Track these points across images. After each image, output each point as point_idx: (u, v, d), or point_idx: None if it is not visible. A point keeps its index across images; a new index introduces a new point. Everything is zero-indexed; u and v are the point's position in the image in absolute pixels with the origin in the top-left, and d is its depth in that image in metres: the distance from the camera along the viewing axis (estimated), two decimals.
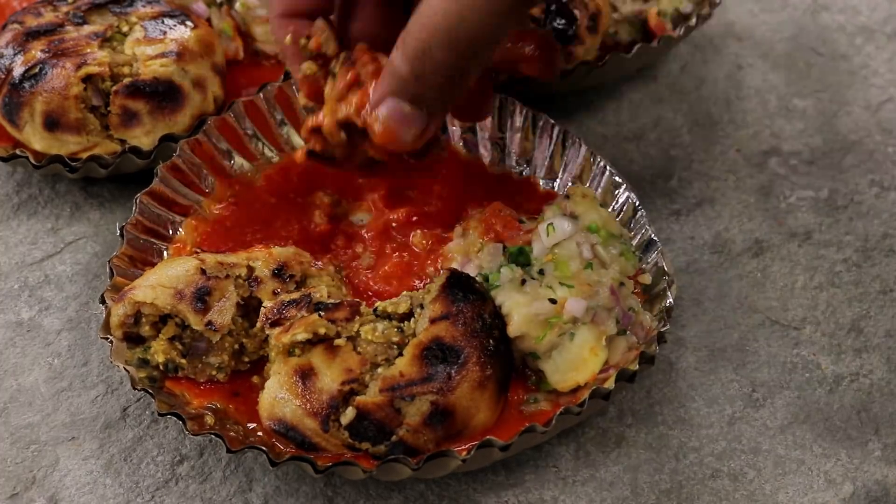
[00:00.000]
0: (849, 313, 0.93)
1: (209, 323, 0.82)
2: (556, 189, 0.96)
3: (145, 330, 0.83)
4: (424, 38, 0.70)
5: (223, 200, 0.96)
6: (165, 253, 0.92)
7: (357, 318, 0.81)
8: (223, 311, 0.82)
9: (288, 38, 0.81)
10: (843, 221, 0.99)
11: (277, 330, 0.80)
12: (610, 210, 0.92)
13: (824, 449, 0.85)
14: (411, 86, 0.73)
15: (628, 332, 0.83)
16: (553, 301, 0.81)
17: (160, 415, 0.79)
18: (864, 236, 0.98)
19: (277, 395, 0.79)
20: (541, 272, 0.84)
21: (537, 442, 0.82)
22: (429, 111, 0.75)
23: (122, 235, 0.90)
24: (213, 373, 0.84)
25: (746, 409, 0.87)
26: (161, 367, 0.82)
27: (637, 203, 0.91)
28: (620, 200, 0.92)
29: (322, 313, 0.80)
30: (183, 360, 0.83)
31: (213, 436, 0.78)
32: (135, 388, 0.80)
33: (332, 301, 0.82)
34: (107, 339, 0.83)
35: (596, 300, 0.82)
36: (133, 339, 0.84)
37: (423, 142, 0.77)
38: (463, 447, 0.78)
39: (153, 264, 0.90)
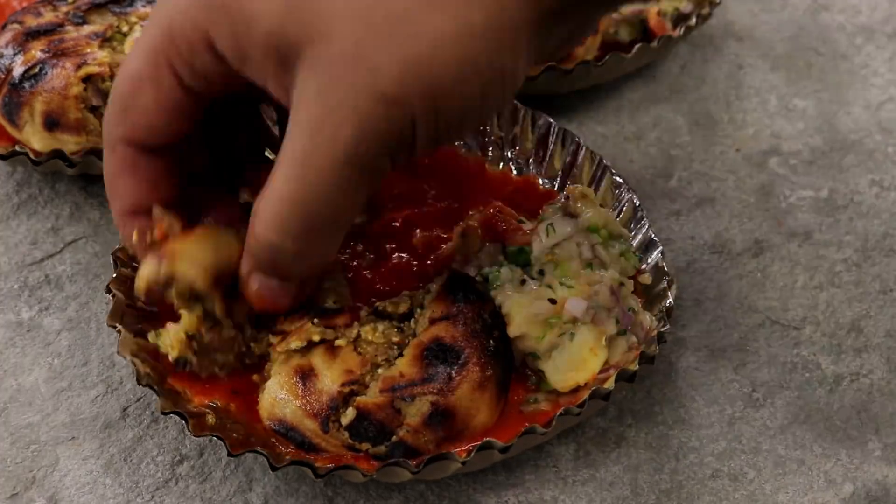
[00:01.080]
0: (849, 313, 0.93)
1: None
2: (556, 189, 0.96)
3: (172, 297, 0.81)
4: (276, 211, 0.68)
5: None
6: None
7: (356, 323, 0.81)
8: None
9: (134, 235, 0.77)
10: (843, 221, 0.99)
11: (277, 339, 0.80)
12: (610, 210, 0.92)
13: (824, 449, 0.85)
14: (273, 261, 0.72)
15: (628, 332, 0.83)
16: (553, 301, 0.81)
17: (163, 413, 0.79)
18: (865, 236, 0.98)
19: (278, 396, 0.79)
20: (541, 272, 0.84)
21: (537, 442, 0.82)
22: (300, 277, 0.74)
23: None
24: (217, 370, 0.83)
25: (746, 409, 0.87)
26: (171, 360, 0.82)
27: (637, 203, 0.91)
28: (621, 200, 0.92)
29: (316, 320, 0.80)
30: (194, 358, 0.82)
31: (214, 437, 0.78)
32: (139, 384, 0.80)
33: (334, 306, 0.82)
34: (114, 327, 0.83)
35: (596, 300, 0.82)
36: (144, 313, 0.83)
37: (303, 299, 0.78)
38: (463, 449, 0.78)
39: None
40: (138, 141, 0.74)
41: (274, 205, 0.68)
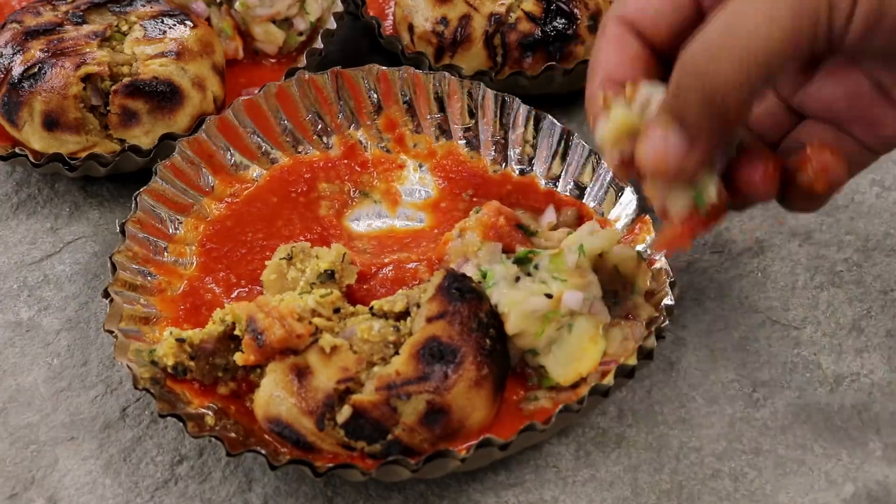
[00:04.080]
0: (849, 313, 0.93)
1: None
2: (557, 189, 0.96)
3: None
4: (706, 52, 0.67)
5: (223, 199, 0.96)
6: (166, 252, 0.92)
7: (343, 311, 0.82)
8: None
9: (601, 96, 0.75)
10: (843, 221, 0.99)
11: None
12: (611, 210, 0.92)
13: (825, 449, 0.84)
14: (674, 104, 0.69)
15: (623, 323, 0.83)
16: (549, 296, 0.81)
17: (161, 416, 0.79)
18: (865, 236, 0.98)
19: (273, 394, 0.79)
20: (535, 267, 0.84)
21: (537, 440, 0.81)
22: (691, 133, 0.70)
23: (122, 233, 0.90)
24: (220, 374, 0.83)
25: (747, 409, 0.87)
26: (169, 370, 0.82)
27: (638, 203, 0.91)
28: (623, 201, 0.92)
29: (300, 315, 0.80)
30: (191, 363, 0.82)
31: (213, 438, 0.78)
32: (136, 388, 0.80)
33: (322, 291, 0.82)
34: (111, 332, 0.83)
35: (591, 291, 0.82)
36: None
37: (697, 167, 0.72)
38: (462, 447, 0.78)
39: (154, 261, 0.91)
40: (630, 20, 0.74)
41: (712, 40, 0.67)
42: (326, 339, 0.79)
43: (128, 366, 0.81)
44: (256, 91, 1.00)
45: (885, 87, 0.73)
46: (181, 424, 0.79)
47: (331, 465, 0.76)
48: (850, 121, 0.76)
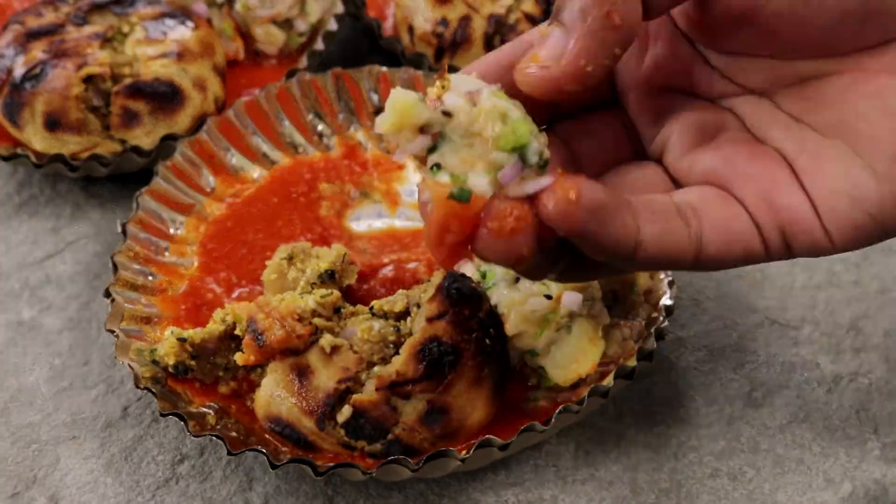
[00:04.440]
0: (847, 313, 0.93)
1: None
2: None
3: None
4: None
5: (224, 199, 0.97)
6: (167, 253, 0.92)
7: (343, 311, 0.82)
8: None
9: None
10: None
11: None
12: None
13: (823, 448, 0.85)
14: None
15: (622, 323, 0.84)
16: (549, 297, 0.81)
17: (162, 415, 0.79)
18: None
19: (274, 393, 0.79)
20: None
21: (537, 440, 0.82)
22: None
23: (123, 233, 0.91)
24: (221, 373, 0.84)
25: (746, 409, 0.87)
26: (171, 370, 0.83)
27: None
28: None
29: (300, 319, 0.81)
30: (192, 362, 0.83)
31: (214, 437, 0.78)
32: (138, 387, 0.81)
33: (323, 291, 0.82)
34: (112, 332, 0.84)
35: (590, 292, 0.82)
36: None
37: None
38: (462, 446, 0.78)
39: (155, 261, 0.91)
40: None
41: None
42: (327, 339, 0.79)
43: (129, 365, 0.82)
44: (257, 92, 1.01)
45: (788, 155, 0.61)
46: (182, 423, 0.79)
47: (331, 464, 0.77)
48: (742, 178, 0.61)
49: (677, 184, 0.64)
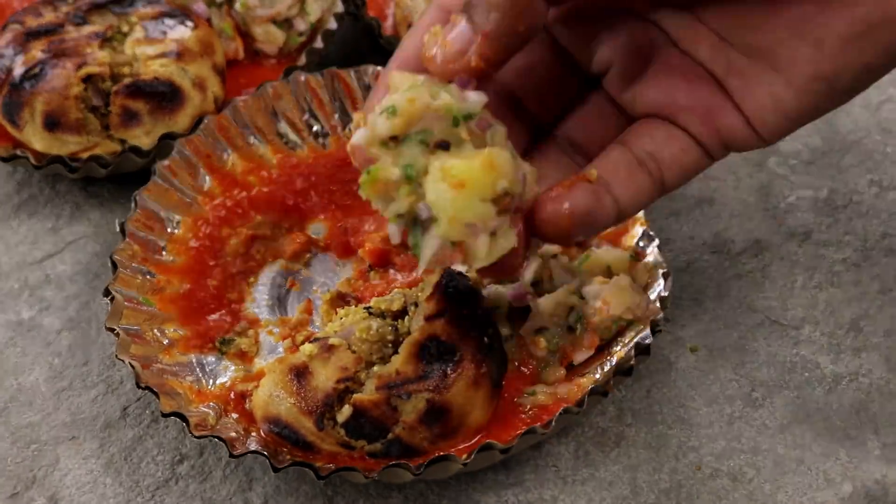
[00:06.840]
0: (848, 313, 0.93)
1: None
2: None
3: None
4: None
5: (220, 198, 0.97)
6: (164, 252, 0.92)
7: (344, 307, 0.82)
8: None
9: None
10: (842, 221, 1.00)
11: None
12: None
13: (823, 448, 0.85)
14: None
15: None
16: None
17: (163, 415, 0.79)
18: (864, 236, 0.98)
19: (272, 394, 0.79)
20: None
21: (537, 440, 0.82)
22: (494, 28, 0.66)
23: (122, 232, 0.91)
24: None
25: (746, 409, 0.87)
26: None
27: None
28: None
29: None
30: None
31: (214, 437, 0.78)
32: (139, 387, 0.80)
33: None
34: (112, 330, 0.84)
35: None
36: None
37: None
38: (464, 447, 0.78)
39: (154, 261, 0.91)
40: (447, 7, 0.68)
41: None
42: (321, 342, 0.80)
43: (130, 364, 0.82)
44: (254, 91, 1.00)
45: (718, 76, 0.70)
46: (183, 424, 0.79)
47: (333, 467, 0.76)
48: (684, 110, 0.70)
49: (624, 113, 0.73)
